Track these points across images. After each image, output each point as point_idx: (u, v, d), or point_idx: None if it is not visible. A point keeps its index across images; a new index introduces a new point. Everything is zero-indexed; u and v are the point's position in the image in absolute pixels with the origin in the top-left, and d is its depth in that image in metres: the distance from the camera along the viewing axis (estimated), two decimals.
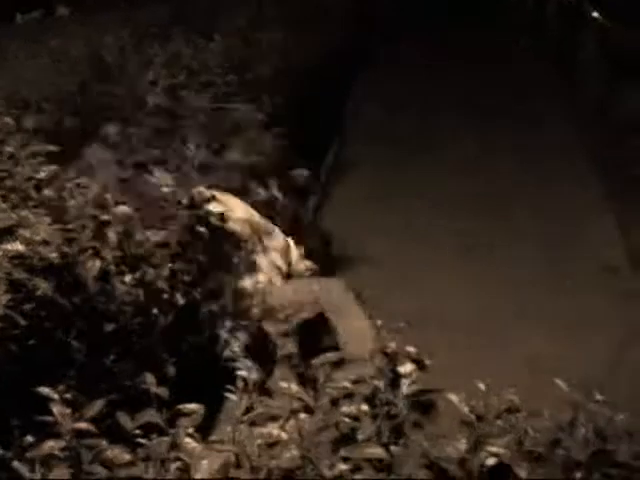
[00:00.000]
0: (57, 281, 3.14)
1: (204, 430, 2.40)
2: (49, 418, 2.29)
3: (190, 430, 2.31)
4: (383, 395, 2.51)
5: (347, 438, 2.31)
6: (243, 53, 5.92)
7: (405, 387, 2.54)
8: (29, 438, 2.30)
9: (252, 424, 2.35)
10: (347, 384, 2.48)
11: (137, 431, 2.31)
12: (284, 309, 4.22)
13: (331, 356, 2.62)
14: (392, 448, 2.26)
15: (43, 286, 3.04)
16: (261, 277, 4.33)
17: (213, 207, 4.21)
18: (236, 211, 4.37)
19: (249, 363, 3.48)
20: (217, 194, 4.32)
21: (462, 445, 2.25)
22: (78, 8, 9.19)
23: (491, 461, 2.21)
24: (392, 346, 2.73)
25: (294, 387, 2.45)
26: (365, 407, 2.39)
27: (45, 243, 3.22)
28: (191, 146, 4.30)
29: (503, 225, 6.19)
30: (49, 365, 2.97)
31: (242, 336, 4.07)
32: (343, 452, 2.23)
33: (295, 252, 4.64)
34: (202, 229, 3.99)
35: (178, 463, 2.23)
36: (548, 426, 2.31)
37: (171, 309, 3.70)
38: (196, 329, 3.90)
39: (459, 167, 7.34)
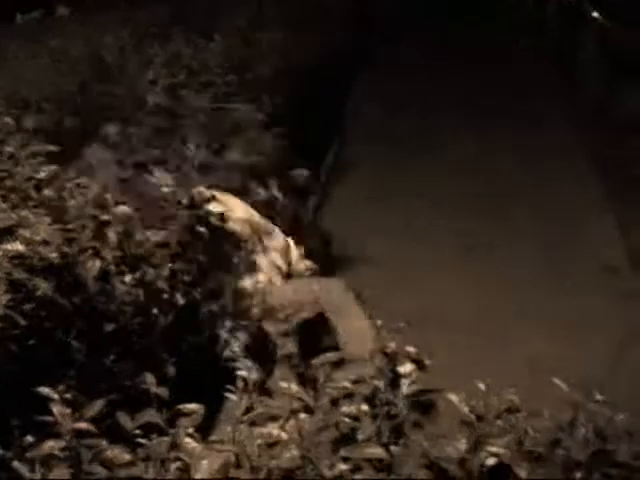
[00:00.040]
0: (57, 281, 3.13)
1: (204, 430, 2.39)
2: (49, 418, 2.29)
3: (190, 430, 2.31)
4: (383, 395, 2.51)
5: (347, 438, 2.31)
6: (243, 53, 5.92)
7: (405, 387, 2.54)
8: (29, 438, 2.30)
9: (252, 424, 2.35)
10: (347, 384, 2.48)
11: (137, 431, 2.31)
12: (284, 309, 4.22)
13: (331, 356, 2.62)
14: (392, 448, 2.26)
15: (43, 286, 3.04)
16: (261, 277, 4.33)
17: (213, 207, 4.21)
18: (236, 211, 4.37)
19: (249, 363, 3.48)
20: (217, 194, 4.32)
21: (462, 445, 2.25)
22: (78, 8, 9.19)
23: (491, 461, 2.21)
24: (392, 346, 2.73)
25: (294, 387, 2.45)
26: (365, 407, 2.39)
27: (45, 243, 3.22)
28: (191, 146, 4.29)
29: (503, 225, 6.19)
30: (49, 365, 2.96)
31: (242, 336, 4.08)
32: (343, 452, 2.23)
33: (295, 252, 4.64)
34: (202, 229, 3.98)
35: (178, 463, 2.23)
36: (548, 426, 2.31)
37: (171, 309, 3.70)
38: (196, 329, 3.90)
39: (459, 167, 7.34)
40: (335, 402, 2.42)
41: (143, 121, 4.63)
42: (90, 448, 2.23)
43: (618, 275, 5.47)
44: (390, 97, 9.54)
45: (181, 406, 2.37)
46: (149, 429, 2.31)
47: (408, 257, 5.71)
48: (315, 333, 4.17)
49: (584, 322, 4.79)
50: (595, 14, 9.12)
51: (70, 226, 3.46)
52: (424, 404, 2.65)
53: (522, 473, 2.15)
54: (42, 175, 3.72)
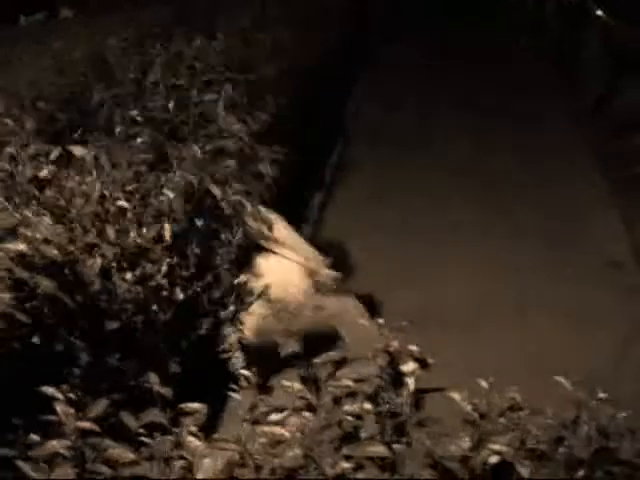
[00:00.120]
0: (59, 279, 3.14)
1: (208, 428, 2.40)
2: (53, 417, 2.30)
3: (193, 429, 2.31)
4: (386, 394, 2.51)
5: (350, 436, 2.31)
6: (245, 53, 5.93)
7: (408, 385, 2.55)
8: (33, 437, 2.30)
9: (255, 423, 2.35)
10: (350, 383, 2.49)
11: (141, 430, 2.31)
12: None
13: (333, 355, 2.62)
14: (395, 446, 2.26)
15: (45, 284, 3.05)
16: (290, 289, 4.32)
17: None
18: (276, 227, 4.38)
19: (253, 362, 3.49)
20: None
21: (465, 443, 2.25)
22: (81, 10, 9.20)
23: (494, 459, 2.21)
24: (394, 345, 2.73)
25: (297, 386, 2.46)
26: (368, 406, 2.40)
27: (46, 242, 3.23)
28: (195, 146, 4.29)
29: (505, 223, 6.20)
30: (52, 363, 2.97)
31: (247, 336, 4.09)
32: (346, 450, 2.23)
33: (320, 262, 4.60)
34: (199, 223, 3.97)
35: (182, 462, 2.24)
36: (551, 424, 2.31)
37: (173, 306, 3.71)
38: (212, 339, 3.92)
39: (459, 166, 7.35)
40: (338, 401, 2.42)
41: (146, 121, 4.62)
42: (94, 447, 2.24)
43: (622, 270, 5.48)
44: (391, 97, 9.56)
45: (184, 405, 2.38)
46: (153, 428, 2.31)
47: (409, 254, 5.73)
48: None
49: (588, 317, 4.80)
50: (599, 12, 9.11)
51: (71, 224, 3.46)
52: (427, 402, 2.66)
53: (525, 471, 2.16)
54: (43, 175, 3.73)
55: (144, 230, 3.62)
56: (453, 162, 7.48)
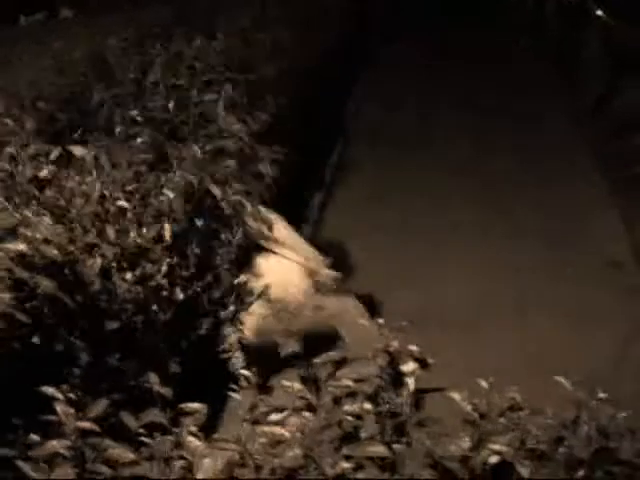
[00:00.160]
0: (59, 279, 3.14)
1: (208, 428, 2.40)
2: (53, 418, 2.30)
3: (193, 429, 2.31)
4: (386, 394, 2.51)
5: (350, 436, 2.31)
6: (244, 53, 5.93)
7: (408, 385, 2.55)
8: (33, 437, 2.30)
9: (255, 423, 2.35)
10: (350, 383, 2.49)
11: (141, 430, 2.31)
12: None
13: (333, 355, 2.62)
14: (395, 446, 2.26)
15: (45, 284, 3.05)
16: (290, 289, 4.33)
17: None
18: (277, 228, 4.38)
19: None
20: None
21: (465, 443, 2.25)
22: (81, 10, 9.19)
23: (494, 459, 2.21)
24: (394, 345, 2.73)
25: (297, 386, 2.46)
26: (368, 406, 2.40)
27: (46, 242, 3.23)
28: (195, 146, 4.30)
29: (505, 222, 6.20)
30: (52, 363, 2.97)
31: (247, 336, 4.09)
32: (346, 450, 2.23)
33: (320, 262, 4.60)
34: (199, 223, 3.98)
35: (182, 462, 2.24)
36: (551, 424, 2.31)
37: (173, 306, 3.71)
38: (208, 334, 3.91)
39: (459, 166, 7.35)
40: (338, 401, 2.42)
41: (146, 121, 4.62)
42: (94, 447, 2.24)
43: (622, 270, 5.49)
44: (391, 97, 9.56)
45: (184, 405, 2.38)
46: (153, 428, 2.31)
47: (409, 254, 5.73)
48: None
49: (588, 317, 4.80)
50: (599, 12, 9.11)
51: (71, 224, 3.46)
52: (427, 402, 2.66)
53: (525, 471, 2.16)
54: (43, 175, 3.73)
55: (144, 230, 3.63)
56: (453, 162, 7.48)
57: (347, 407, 2.38)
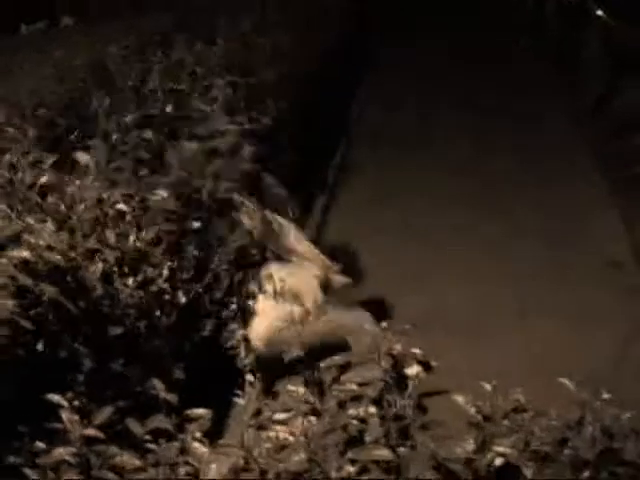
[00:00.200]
0: (62, 285, 3.15)
1: (213, 434, 2.40)
2: (59, 425, 2.31)
3: (198, 435, 2.32)
4: (390, 397, 2.51)
5: (354, 440, 2.31)
6: (244, 57, 5.94)
7: (412, 389, 2.55)
8: (39, 444, 2.31)
9: (260, 428, 2.36)
10: (354, 386, 2.49)
11: (146, 437, 2.32)
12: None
13: (338, 359, 2.63)
14: (399, 450, 2.26)
15: (49, 290, 3.05)
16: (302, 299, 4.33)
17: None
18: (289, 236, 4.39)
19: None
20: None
21: (469, 446, 2.25)
22: (82, 18, 9.20)
23: (498, 461, 2.21)
24: (398, 348, 2.74)
25: (301, 390, 2.46)
26: (372, 409, 2.40)
27: (49, 248, 3.23)
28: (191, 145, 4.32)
29: (505, 223, 6.21)
30: (56, 370, 2.98)
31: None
32: (350, 454, 2.23)
33: (330, 268, 4.60)
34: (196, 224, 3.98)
35: (187, 468, 2.24)
36: (555, 425, 2.31)
37: (176, 310, 3.71)
38: (212, 338, 3.91)
39: (460, 167, 7.37)
40: (342, 405, 2.43)
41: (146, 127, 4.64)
42: (100, 454, 2.25)
43: (622, 270, 5.49)
44: (391, 98, 9.57)
45: (189, 411, 2.38)
46: (158, 434, 2.32)
47: (411, 257, 5.73)
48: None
49: (588, 317, 4.81)
50: (599, 12, 9.12)
51: (72, 230, 3.47)
52: (431, 405, 2.66)
53: (529, 473, 2.16)
54: (43, 181, 3.73)
55: (143, 233, 3.62)
56: (453, 162, 7.49)
57: (352, 411, 2.38)
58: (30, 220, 3.39)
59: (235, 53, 5.93)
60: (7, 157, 3.91)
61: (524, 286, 5.28)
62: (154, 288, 3.57)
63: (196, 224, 3.95)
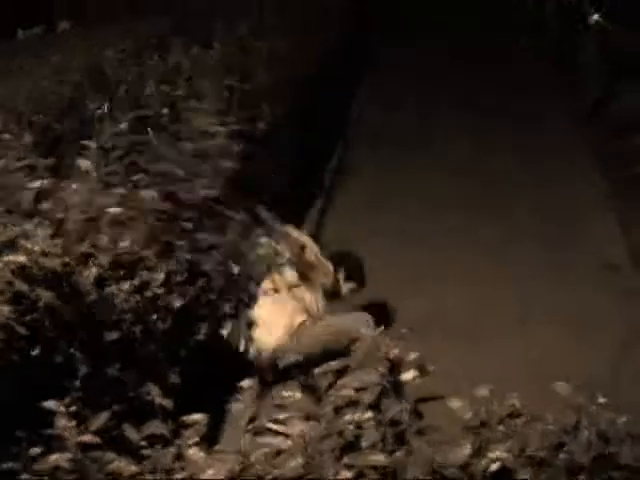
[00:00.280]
0: (57, 290, 3.14)
1: (209, 439, 2.40)
2: (54, 431, 2.31)
3: (195, 440, 2.31)
4: (386, 402, 2.51)
5: (351, 445, 2.31)
6: (243, 61, 5.95)
7: (408, 394, 2.55)
8: (35, 450, 2.31)
9: (256, 433, 2.36)
10: (350, 392, 2.49)
11: (142, 442, 2.32)
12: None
13: (334, 364, 2.63)
14: (395, 455, 2.26)
15: (45, 295, 3.05)
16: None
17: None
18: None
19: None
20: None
21: (465, 450, 2.25)
22: (79, 22, 9.19)
23: (494, 466, 2.21)
24: (395, 352, 2.74)
25: (298, 395, 2.46)
26: (369, 414, 2.40)
27: (44, 254, 3.23)
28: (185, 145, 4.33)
29: (503, 224, 6.21)
30: (52, 376, 2.98)
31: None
32: (347, 459, 2.23)
33: (337, 275, 4.60)
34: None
35: (184, 473, 2.24)
36: (551, 430, 2.31)
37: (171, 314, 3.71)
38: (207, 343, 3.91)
39: (460, 167, 7.36)
40: (339, 410, 2.42)
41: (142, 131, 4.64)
42: (96, 460, 2.24)
43: (620, 273, 5.48)
44: (391, 97, 9.57)
45: (185, 417, 2.38)
46: (154, 440, 2.32)
47: (409, 259, 5.73)
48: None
49: (586, 320, 4.80)
50: (596, 16, 9.12)
51: (67, 234, 3.46)
52: (427, 410, 2.66)
53: (525, 478, 2.16)
54: (38, 186, 3.72)
55: (135, 235, 3.62)
56: (453, 162, 7.49)
57: (348, 416, 2.38)
58: (26, 225, 3.39)
59: (232, 57, 5.92)
60: (3, 162, 3.90)
61: (522, 289, 5.27)
62: (149, 294, 3.56)
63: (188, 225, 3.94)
